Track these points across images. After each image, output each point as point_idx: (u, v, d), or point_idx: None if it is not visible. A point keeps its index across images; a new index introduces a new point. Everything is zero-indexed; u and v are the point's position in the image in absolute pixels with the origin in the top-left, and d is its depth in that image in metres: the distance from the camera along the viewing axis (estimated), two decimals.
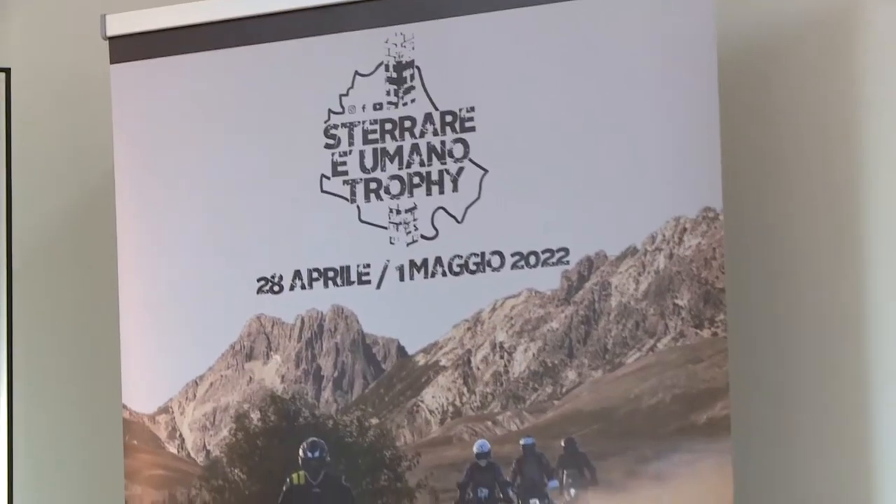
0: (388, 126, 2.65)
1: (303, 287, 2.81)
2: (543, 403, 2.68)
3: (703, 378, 2.56)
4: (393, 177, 2.64)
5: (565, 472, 2.63)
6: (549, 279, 2.68)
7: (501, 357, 2.73)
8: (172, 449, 2.90)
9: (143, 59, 2.94)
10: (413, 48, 2.73)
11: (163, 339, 2.96)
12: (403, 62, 2.72)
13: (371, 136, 2.67)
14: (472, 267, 2.68)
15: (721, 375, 2.53)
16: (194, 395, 2.92)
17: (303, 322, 2.86)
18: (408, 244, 2.71)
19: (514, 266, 2.68)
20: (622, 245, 2.63)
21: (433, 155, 2.61)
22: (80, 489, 3.40)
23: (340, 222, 2.73)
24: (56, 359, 3.43)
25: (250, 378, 2.88)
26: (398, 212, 2.66)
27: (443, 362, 2.77)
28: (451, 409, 2.76)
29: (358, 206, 2.66)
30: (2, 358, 3.22)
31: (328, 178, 2.67)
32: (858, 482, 2.84)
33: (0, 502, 3.20)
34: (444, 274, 2.71)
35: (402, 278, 2.72)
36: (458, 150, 2.61)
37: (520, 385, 2.71)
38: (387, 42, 2.74)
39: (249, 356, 2.90)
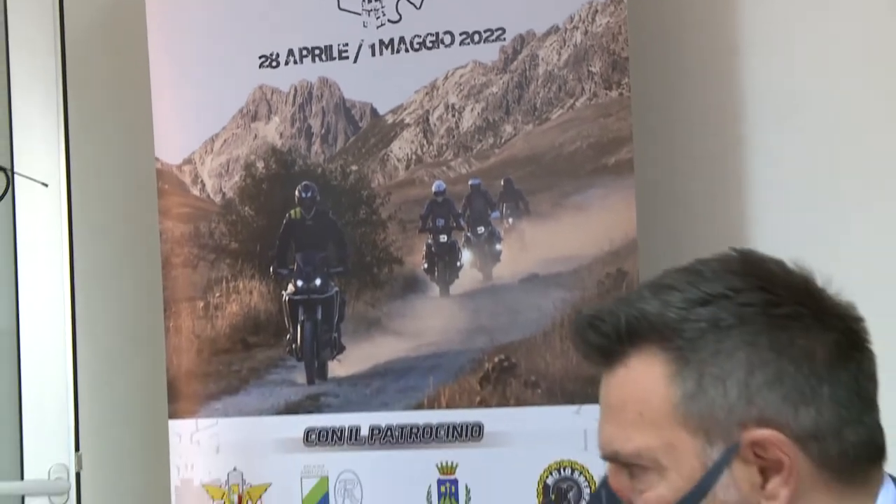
0: None
1: (295, 62, 3.02)
2: (487, 151, 2.93)
3: (611, 129, 2.80)
4: None
5: (505, 204, 2.89)
6: (489, 53, 2.91)
7: (453, 115, 2.97)
8: (196, 192, 3.16)
9: None
10: None
11: (185, 105, 3.17)
12: None
13: None
14: (429, 44, 2.90)
15: (626, 127, 2.79)
16: (212, 149, 3.15)
17: (296, 90, 3.07)
18: (377, 27, 2.93)
19: (461, 43, 2.90)
20: (547, 24, 2.86)
21: None
22: (120, 223, 3.62)
23: (323, 10, 2.96)
24: (104, 123, 3.57)
25: (255, 135, 3.10)
26: (369, 0, 2.93)
27: (407, 120, 3.01)
28: (413, 157, 3.00)
29: None
30: (60, 124, 3.36)
31: None
32: (734, 200, 3.04)
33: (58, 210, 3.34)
34: (406, 50, 2.92)
35: (373, 54, 2.94)
36: None
37: (468, 137, 2.95)
38: None
39: (254, 118, 3.12)
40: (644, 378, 1.46)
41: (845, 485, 1.49)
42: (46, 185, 3.12)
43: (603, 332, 1.46)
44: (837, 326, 1.47)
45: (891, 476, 1.52)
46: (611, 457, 1.50)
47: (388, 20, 2.92)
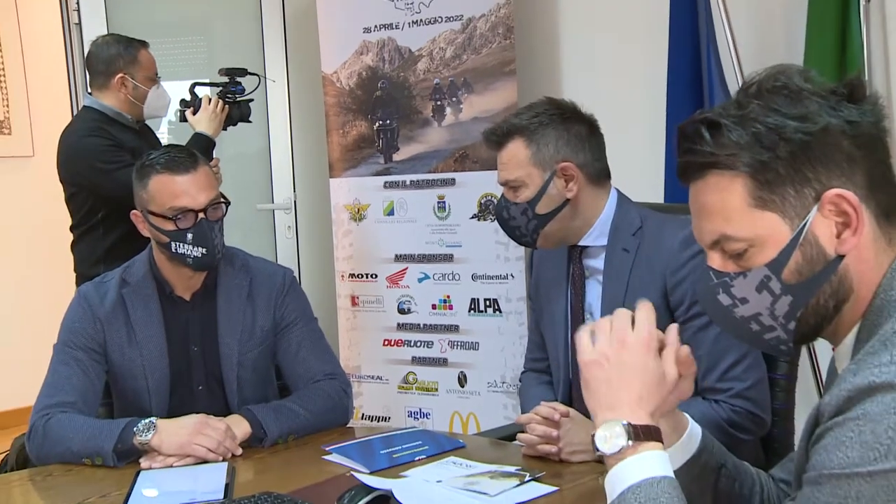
0: None
1: (377, 29, 4.43)
2: (456, 66, 4.25)
3: (507, 57, 4.08)
4: None
5: (464, 88, 4.20)
6: (457, 25, 4.18)
7: (442, 51, 4.28)
8: (337, 85, 4.65)
9: None
10: None
11: (333, 46, 4.50)
12: None
13: None
14: (432, 21, 4.23)
15: (513, 56, 4.09)
16: (344, 66, 4.53)
17: (378, 42, 4.44)
18: (411, 13, 4.28)
19: (445, 20, 4.20)
20: (480, 12, 4.10)
21: None
22: (308, 98, 4.94)
23: (385, 6, 4.32)
24: (303, 50, 4.86)
25: (361, 61, 4.52)
26: (409, 3, 4.33)
27: (423, 54, 4.29)
28: (426, 69, 4.33)
29: None
30: (283, 48, 4.84)
31: None
32: (553, 76, 4.40)
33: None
34: (422, 24, 4.25)
35: (409, 26, 4.29)
36: None
37: (449, 61, 4.26)
38: None
39: (360, 53, 4.49)
40: (515, 149, 2.13)
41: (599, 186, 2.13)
42: (274, 81, 4.70)
43: (499, 133, 2.17)
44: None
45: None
46: (505, 182, 2.08)
47: (415, 11, 4.40)
